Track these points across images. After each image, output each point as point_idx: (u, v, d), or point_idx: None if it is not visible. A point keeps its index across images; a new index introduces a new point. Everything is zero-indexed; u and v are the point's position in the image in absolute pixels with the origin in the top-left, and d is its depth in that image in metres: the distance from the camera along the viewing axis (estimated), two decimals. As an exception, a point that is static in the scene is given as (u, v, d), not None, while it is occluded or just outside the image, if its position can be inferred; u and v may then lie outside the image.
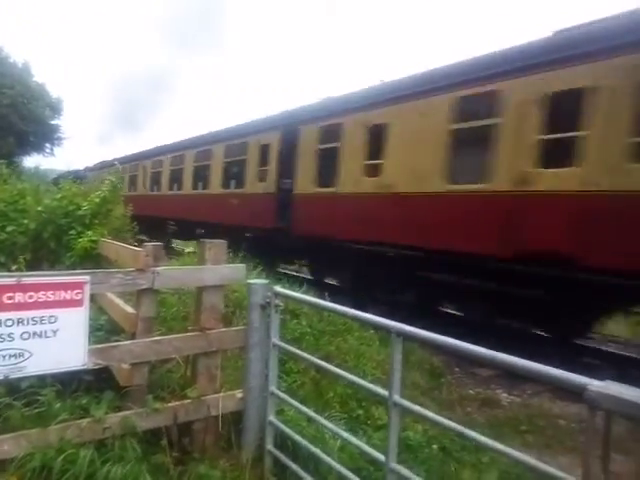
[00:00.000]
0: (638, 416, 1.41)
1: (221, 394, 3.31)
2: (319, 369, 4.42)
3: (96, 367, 2.90)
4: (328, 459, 2.87)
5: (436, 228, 8.04)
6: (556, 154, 6.45)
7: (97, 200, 5.43)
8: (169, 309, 4.80)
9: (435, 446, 3.99)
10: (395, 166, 8.80)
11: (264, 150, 12.56)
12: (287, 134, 11.77)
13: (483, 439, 2.01)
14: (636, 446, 4.65)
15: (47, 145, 40.76)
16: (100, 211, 5.44)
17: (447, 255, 7.73)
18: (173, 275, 3.17)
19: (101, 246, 4.81)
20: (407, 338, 2.24)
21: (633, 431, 4.90)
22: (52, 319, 2.67)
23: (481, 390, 6.24)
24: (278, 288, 3.19)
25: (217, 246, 3.25)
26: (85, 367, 2.81)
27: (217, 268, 3.22)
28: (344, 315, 2.78)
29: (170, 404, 3.14)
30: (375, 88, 10.03)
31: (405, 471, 2.29)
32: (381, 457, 2.39)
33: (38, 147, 39.95)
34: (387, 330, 2.29)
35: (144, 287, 3.01)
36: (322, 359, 3.80)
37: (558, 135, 6.50)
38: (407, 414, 3.94)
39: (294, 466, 3.02)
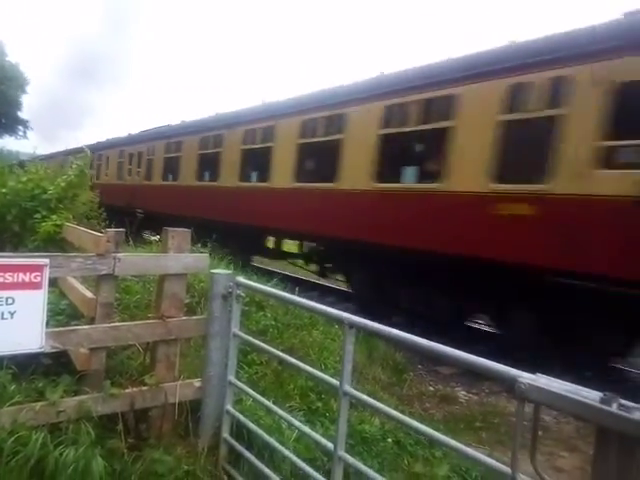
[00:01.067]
0: (562, 407, 1.50)
1: (179, 382, 3.33)
2: (281, 361, 4.49)
3: (53, 350, 2.89)
4: (282, 448, 2.94)
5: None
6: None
7: (63, 184, 5.38)
8: (133, 296, 4.78)
9: (390, 440, 4.08)
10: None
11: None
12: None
13: (432, 432, 2.09)
14: (581, 443, 4.87)
15: (20, 127, 39.89)
16: (66, 195, 5.38)
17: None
18: (134, 262, 3.18)
19: (65, 231, 4.76)
20: (359, 329, 2.31)
21: (580, 429, 5.12)
22: (9, 301, 2.65)
23: (441, 387, 6.40)
24: (240, 278, 3.23)
25: (180, 234, 3.27)
26: (42, 350, 2.80)
27: (179, 256, 3.24)
28: (301, 306, 2.84)
29: (127, 390, 3.15)
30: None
31: (352, 459, 2.36)
32: (330, 445, 2.46)
33: (10, 129, 39.03)
34: (340, 321, 2.36)
35: (104, 272, 3.01)
36: (285, 351, 3.86)
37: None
38: (361, 406, 4.09)
39: (249, 455, 3.08)
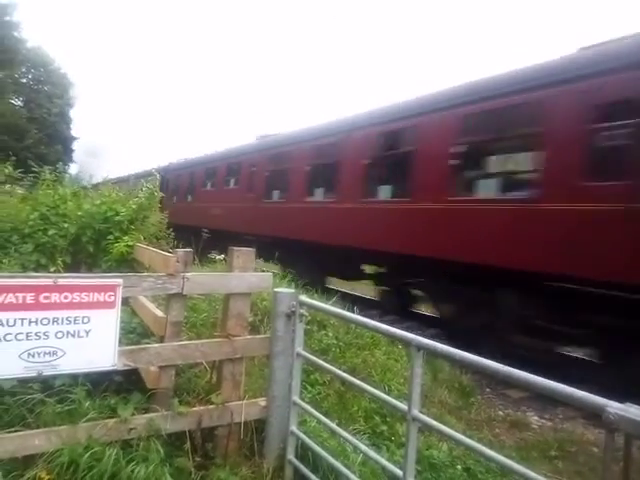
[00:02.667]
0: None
1: (245, 401, 3.35)
2: (344, 382, 4.43)
3: (125, 368, 2.98)
4: (348, 472, 2.87)
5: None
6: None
7: (134, 207, 5.63)
8: (199, 315, 4.89)
9: (459, 466, 3.91)
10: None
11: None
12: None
13: (505, 460, 1.97)
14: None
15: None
16: (137, 217, 5.63)
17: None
18: (201, 281, 3.24)
19: (136, 251, 4.96)
20: (427, 352, 2.23)
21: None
22: (85, 319, 2.77)
23: (511, 412, 6.09)
24: (303, 297, 3.22)
25: (245, 254, 3.31)
26: (114, 368, 2.89)
27: (244, 276, 3.28)
28: (364, 326, 2.78)
29: (195, 408, 3.19)
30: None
31: (422, 487, 2.26)
32: (399, 472, 2.37)
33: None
34: (407, 343, 2.29)
35: (173, 292, 3.09)
36: (347, 372, 3.81)
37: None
38: (428, 431, 3.94)
39: (314, 478, 3.03)
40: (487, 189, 7.78)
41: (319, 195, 12.02)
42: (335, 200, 11.09)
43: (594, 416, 1.56)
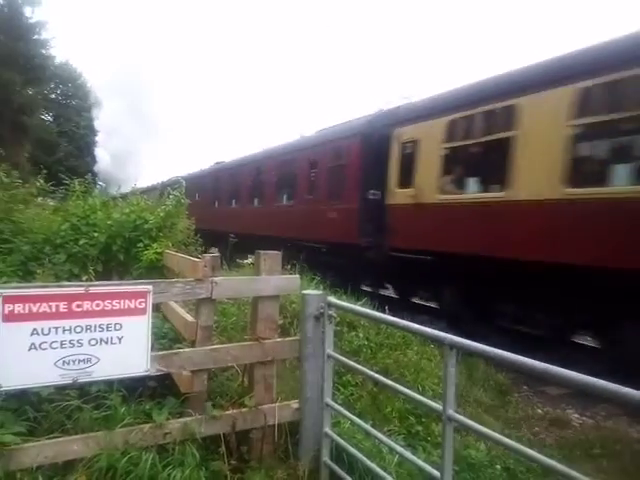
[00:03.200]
0: None
1: (277, 404, 3.34)
2: (376, 382, 4.38)
3: (158, 373, 3.01)
4: (384, 474, 2.83)
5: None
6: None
7: (162, 214, 5.70)
8: (229, 319, 4.92)
9: (499, 466, 3.82)
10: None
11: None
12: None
13: (546, 460, 1.91)
14: None
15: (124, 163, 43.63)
16: (165, 224, 5.70)
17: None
18: (230, 285, 3.26)
19: (165, 258, 5.02)
20: (460, 350, 2.18)
21: None
22: (117, 326, 2.81)
23: (550, 409, 5.92)
24: (331, 298, 3.19)
25: (272, 257, 3.31)
26: (147, 373, 2.92)
27: (271, 279, 3.28)
28: (394, 326, 2.74)
29: (228, 412, 3.20)
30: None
31: (461, 489, 2.21)
32: (436, 473, 2.32)
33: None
34: (440, 342, 2.24)
35: (203, 296, 3.11)
36: (380, 372, 3.77)
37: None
38: (465, 430, 3.86)
39: (350, 479, 2.99)
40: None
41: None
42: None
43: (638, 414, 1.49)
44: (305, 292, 3.35)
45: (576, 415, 5.78)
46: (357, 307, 3.26)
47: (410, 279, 9.91)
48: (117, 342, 2.80)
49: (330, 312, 3.18)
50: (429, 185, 8.80)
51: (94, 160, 41.85)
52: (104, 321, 2.77)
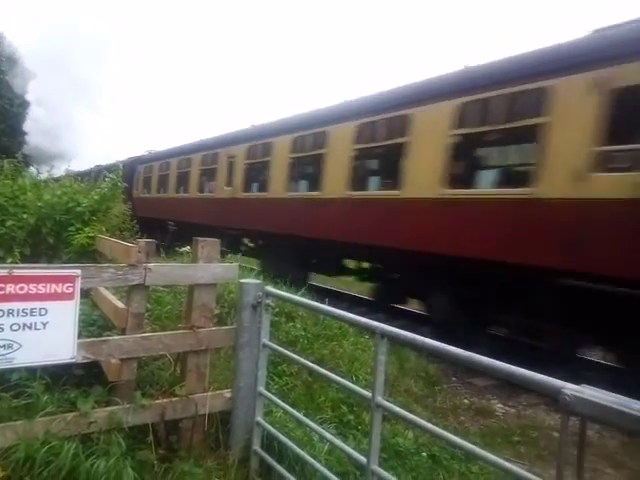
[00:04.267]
0: (610, 421, 1.40)
1: (210, 393, 3.31)
2: (311, 372, 4.43)
3: (85, 361, 2.90)
4: (314, 462, 2.87)
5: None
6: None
7: (96, 197, 5.49)
8: (164, 307, 4.81)
9: (425, 454, 3.96)
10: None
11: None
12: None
13: (468, 446, 2.00)
14: (627, 459, 4.64)
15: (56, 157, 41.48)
16: (99, 208, 5.49)
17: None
18: (164, 272, 3.18)
19: (98, 243, 4.84)
20: (391, 339, 2.24)
21: (626, 444, 4.87)
22: (42, 311, 2.68)
23: (476, 400, 6.21)
24: (269, 288, 3.20)
25: (210, 244, 3.26)
26: (74, 361, 2.81)
27: (209, 266, 3.23)
28: (330, 315, 2.78)
29: (158, 401, 3.14)
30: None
31: (385, 474, 2.28)
32: (363, 459, 2.38)
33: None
34: (371, 331, 2.30)
35: (135, 283, 3.02)
36: (315, 362, 3.80)
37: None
38: (394, 419, 3.98)
39: (280, 468, 3.02)
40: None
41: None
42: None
43: (555, 402, 1.58)
44: (243, 281, 3.33)
45: (500, 405, 6.10)
46: (294, 296, 3.27)
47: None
48: (42, 328, 2.68)
49: (267, 301, 3.18)
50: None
51: (24, 135, 39.31)
52: (28, 305, 2.64)
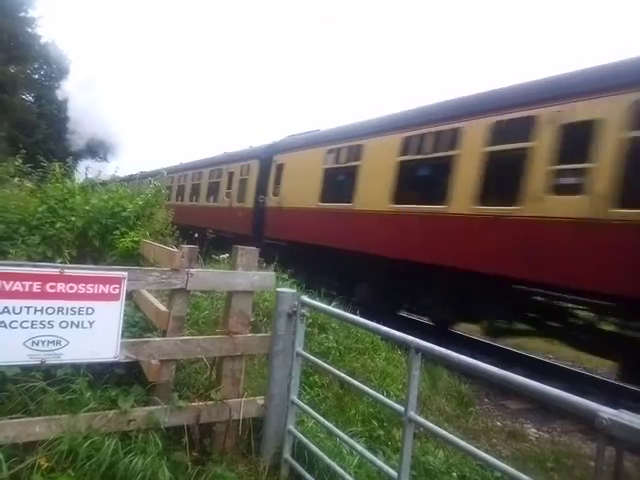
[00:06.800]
0: (650, 447, 1.39)
1: (243, 399, 3.37)
2: (342, 384, 4.44)
3: (126, 360, 3.02)
4: (344, 473, 2.89)
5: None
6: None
7: (141, 203, 5.68)
8: (201, 312, 4.93)
9: (455, 474, 3.91)
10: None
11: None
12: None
13: (502, 466, 2.00)
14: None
15: (100, 150, 42.78)
16: (144, 213, 5.68)
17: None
18: (205, 277, 3.28)
19: (142, 246, 5.01)
20: (425, 354, 2.26)
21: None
22: (90, 310, 2.81)
23: (509, 423, 6.07)
24: (305, 297, 3.25)
25: (249, 252, 3.35)
26: (116, 359, 2.93)
27: (247, 274, 3.32)
28: (364, 327, 2.81)
29: (194, 404, 3.22)
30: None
31: (416, 489, 2.28)
32: (394, 473, 2.39)
33: (93, 153, 41.90)
34: (406, 345, 2.32)
35: (177, 287, 3.13)
36: (347, 375, 3.82)
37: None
38: (425, 436, 3.95)
39: (310, 477, 3.05)
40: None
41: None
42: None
43: (592, 431, 1.57)
44: (280, 289, 3.40)
45: (533, 430, 5.95)
46: (329, 307, 3.32)
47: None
48: (88, 326, 2.80)
49: (303, 311, 3.23)
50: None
51: (70, 145, 40.81)
52: (76, 304, 2.77)
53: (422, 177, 9.50)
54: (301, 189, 12.65)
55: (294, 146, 13.88)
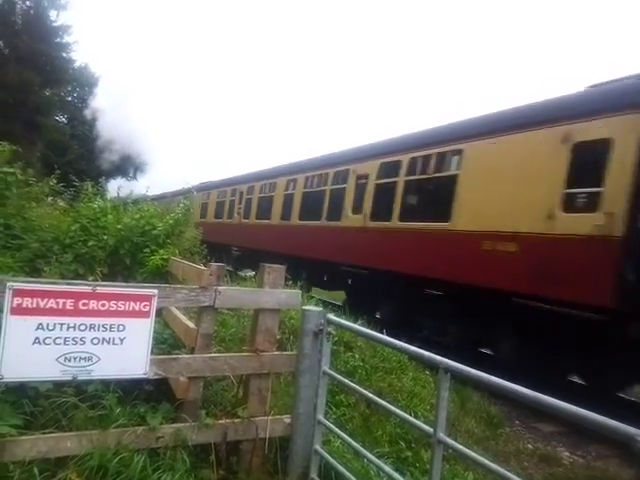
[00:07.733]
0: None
1: (270, 417, 3.37)
2: (369, 404, 4.39)
3: (155, 377, 3.05)
4: (371, 494, 2.85)
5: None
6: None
7: (171, 222, 5.80)
8: (228, 330, 4.96)
9: (485, 498, 3.82)
10: None
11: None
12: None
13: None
14: None
15: (130, 169, 43.86)
16: (173, 232, 5.79)
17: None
18: (233, 295, 3.31)
19: (171, 264, 5.09)
20: (454, 374, 2.22)
21: None
22: (120, 327, 2.86)
23: (541, 446, 5.90)
24: (331, 316, 3.25)
25: (276, 271, 3.37)
26: (146, 376, 2.97)
27: (274, 292, 3.34)
28: (391, 346, 2.79)
29: (221, 421, 3.23)
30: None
31: (446, 513, 2.23)
32: (423, 496, 2.35)
33: (123, 171, 42.95)
34: (435, 365, 2.29)
35: (206, 304, 3.17)
36: (373, 394, 3.78)
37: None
38: (454, 458, 3.87)
39: (336, 497, 3.01)
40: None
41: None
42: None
43: (630, 456, 1.52)
44: (306, 308, 3.41)
45: (567, 453, 5.77)
46: (355, 326, 3.31)
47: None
48: (119, 343, 2.85)
49: (329, 329, 3.23)
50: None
51: (101, 164, 41.86)
52: (108, 321, 2.82)
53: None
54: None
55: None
